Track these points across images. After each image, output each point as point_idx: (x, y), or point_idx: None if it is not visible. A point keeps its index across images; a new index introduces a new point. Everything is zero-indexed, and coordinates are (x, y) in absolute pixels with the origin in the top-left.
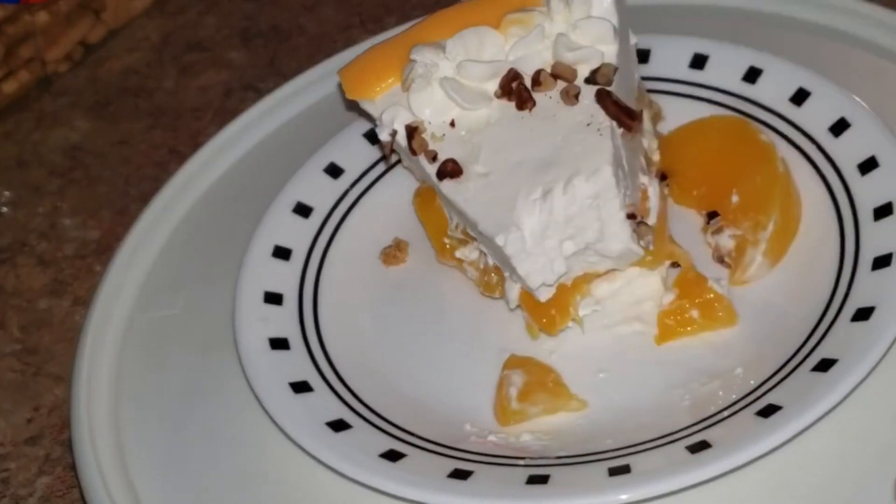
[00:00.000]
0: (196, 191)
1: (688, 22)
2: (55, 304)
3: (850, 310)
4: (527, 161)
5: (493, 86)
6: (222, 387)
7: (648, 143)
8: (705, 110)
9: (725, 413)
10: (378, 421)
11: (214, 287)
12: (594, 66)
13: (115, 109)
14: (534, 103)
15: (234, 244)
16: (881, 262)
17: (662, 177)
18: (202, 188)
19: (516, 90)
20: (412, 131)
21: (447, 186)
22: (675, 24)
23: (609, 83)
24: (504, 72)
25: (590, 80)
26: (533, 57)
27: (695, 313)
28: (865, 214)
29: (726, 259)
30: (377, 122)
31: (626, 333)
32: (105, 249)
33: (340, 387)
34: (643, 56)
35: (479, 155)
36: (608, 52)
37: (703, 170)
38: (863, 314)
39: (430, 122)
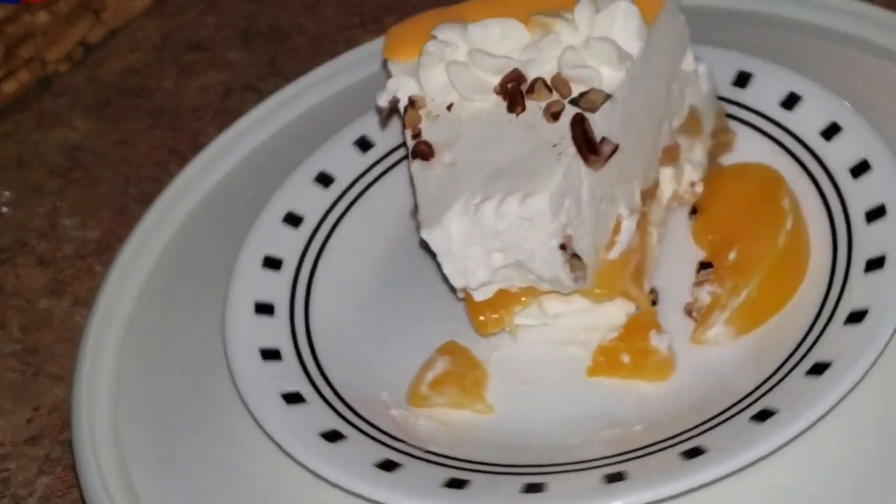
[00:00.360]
0: (198, 192)
1: None
2: (55, 304)
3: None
4: (488, 164)
5: (497, 80)
6: (222, 388)
7: (680, 174)
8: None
9: (580, 466)
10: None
11: (216, 288)
12: (586, 88)
13: (115, 109)
14: (523, 109)
15: (237, 245)
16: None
17: (693, 210)
18: (204, 189)
19: (511, 91)
20: (411, 104)
21: (416, 166)
22: None
23: (593, 110)
24: (509, 70)
25: (574, 101)
26: (541, 62)
27: (625, 358)
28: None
29: (694, 314)
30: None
31: (567, 355)
32: (105, 249)
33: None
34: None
35: (455, 145)
36: (610, 77)
37: (724, 217)
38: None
39: (433, 100)
